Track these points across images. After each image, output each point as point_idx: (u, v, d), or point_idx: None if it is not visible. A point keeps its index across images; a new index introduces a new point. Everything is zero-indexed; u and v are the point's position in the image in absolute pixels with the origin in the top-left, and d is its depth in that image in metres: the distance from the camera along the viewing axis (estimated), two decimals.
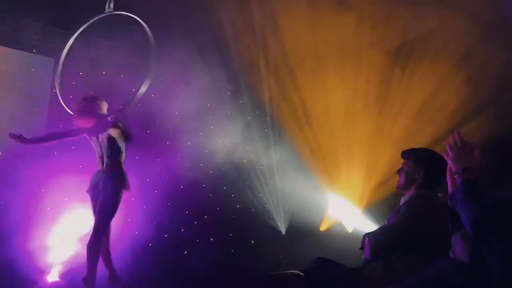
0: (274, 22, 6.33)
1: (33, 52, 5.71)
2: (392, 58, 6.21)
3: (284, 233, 7.10)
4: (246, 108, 7.10)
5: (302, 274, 2.07)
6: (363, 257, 2.26)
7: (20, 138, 3.68)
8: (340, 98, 6.44)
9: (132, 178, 3.97)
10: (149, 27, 4.07)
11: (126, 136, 3.67)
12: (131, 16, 3.97)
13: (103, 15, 3.95)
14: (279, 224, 7.13)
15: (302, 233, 6.82)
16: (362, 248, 2.30)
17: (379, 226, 2.38)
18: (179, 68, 6.11)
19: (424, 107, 5.84)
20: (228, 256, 6.36)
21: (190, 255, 6.14)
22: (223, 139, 6.68)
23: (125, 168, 3.90)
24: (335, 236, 6.86)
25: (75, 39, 4.00)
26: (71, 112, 3.80)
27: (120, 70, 5.98)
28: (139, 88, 3.84)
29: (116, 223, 4.08)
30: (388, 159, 5.88)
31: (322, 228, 7.16)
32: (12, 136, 3.69)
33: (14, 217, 4.96)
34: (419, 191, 2.30)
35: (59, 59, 3.91)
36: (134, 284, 4.61)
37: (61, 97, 3.80)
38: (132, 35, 5.56)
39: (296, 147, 7.14)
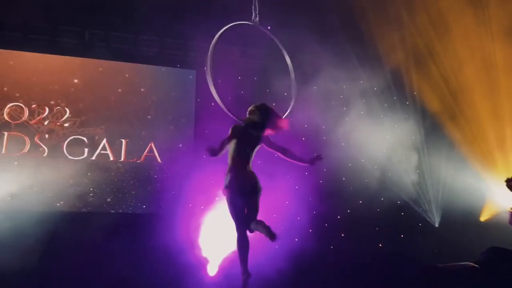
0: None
1: (177, 67, 6.31)
2: None
3: (437, 226, 6.58)
4: (384, 97, 6.72)
5: (476, 266, 1.81)
6: None
7: (213, 152, 3.53)
8: (503, 76, 5.68)
9: (273, 175, 4.03)
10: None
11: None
12: (268, 34, 4.04)
13: (247, 23, 4.05)
14: (431, 216, 6.62)
15: (459, 224, 6.27)
16: None
17: None
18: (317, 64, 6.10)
19: None
20: (376, 250, 6.13)
21: (337, 250, 6.05)
22: (360, 131, 6.43)
23: (266, 166, 4.00)
24: (498, 227, 6.07)
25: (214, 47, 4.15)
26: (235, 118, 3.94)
27: (254, 73, 6.26)
28: (293, 98, 3.92)
29: (261, 218, 4.22)
30: None
31: (483, 219, 6.49)
32: (209, 148, 3.55)
33: (177, 217, 5.59)
34: None
35: (207, 70, 4.06)
36: (281, 277, 4.76)
37: (224, 105, 3.92)
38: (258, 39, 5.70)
39: (448, 132, 6.58)
